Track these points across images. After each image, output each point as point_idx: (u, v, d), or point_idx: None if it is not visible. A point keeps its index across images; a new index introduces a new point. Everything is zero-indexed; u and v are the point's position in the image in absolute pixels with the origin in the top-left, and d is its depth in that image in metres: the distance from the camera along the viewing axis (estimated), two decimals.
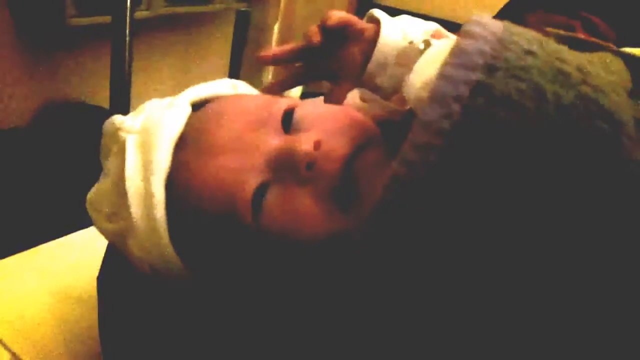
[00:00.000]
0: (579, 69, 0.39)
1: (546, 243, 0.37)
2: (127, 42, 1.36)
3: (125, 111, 1.42)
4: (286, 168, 0.47)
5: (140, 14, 1.76)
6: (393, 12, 0.64)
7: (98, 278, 0.61)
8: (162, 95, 0.58)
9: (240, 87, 0.60)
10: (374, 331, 0.41)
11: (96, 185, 0.55)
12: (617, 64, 0.44)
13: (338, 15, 0.60)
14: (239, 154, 0.48)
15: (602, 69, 0.41)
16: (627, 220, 0.36)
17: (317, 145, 0.47)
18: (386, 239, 0.39)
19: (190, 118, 0.53)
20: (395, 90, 0.61)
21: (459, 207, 0.38)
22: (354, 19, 0.62)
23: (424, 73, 0.46)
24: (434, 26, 0.63)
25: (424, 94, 0.42)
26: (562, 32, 0.50)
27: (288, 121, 0.50)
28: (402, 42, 0.60)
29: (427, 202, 0.38)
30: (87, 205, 0.55)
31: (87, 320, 0.65)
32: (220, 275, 0.51)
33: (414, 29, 0.61)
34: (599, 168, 0.37)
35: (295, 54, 0.63)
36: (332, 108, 0.54)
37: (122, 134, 0.52)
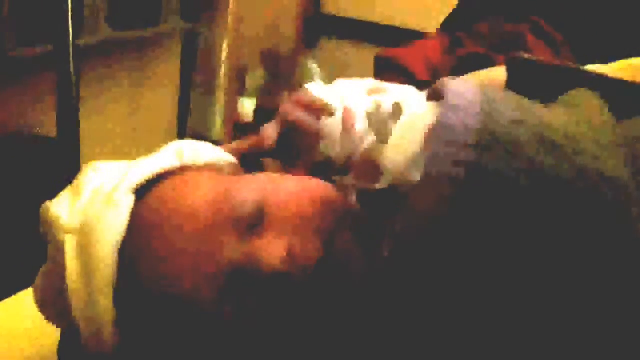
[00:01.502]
0: (567, 137, 0.38)
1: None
2: (72, 70, 1.32)
3: (74, 141, 1.37)
4: (251, 283, 0.44)
5: (85, 40, 1.72)
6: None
7: (58, 351, 0.57)
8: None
9: (187, 153, 0.54)
10: None
11: (41, 273, 0.53)
12: (595, 107, 0.43)
13: (291, 114, 0.59)
14: (195, 263, 0.45)
15: (587, 127, 0.40)
16: None
17: (290, 254, 0.44)
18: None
19: (134, 210, 0.48)
20: (348, 157, 0.60)
21: (456, 294, 0.38)
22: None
23: (404, 148, 0.44)
24: (370, 83, 0.63)
25: (412, 173, 0.42)
26: (528, 56, 0.49)
27: (252, 216, 0.46)
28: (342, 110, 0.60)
29: (420, 294, 0.38)
30: (34, 298, 0.53)
31: None
32: None
33: (351, 92, 0.61)
34: (611, 235, 0.36)
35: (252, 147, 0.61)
36: (297, 189, 0.49)
37: (59, 233, 0.49)
